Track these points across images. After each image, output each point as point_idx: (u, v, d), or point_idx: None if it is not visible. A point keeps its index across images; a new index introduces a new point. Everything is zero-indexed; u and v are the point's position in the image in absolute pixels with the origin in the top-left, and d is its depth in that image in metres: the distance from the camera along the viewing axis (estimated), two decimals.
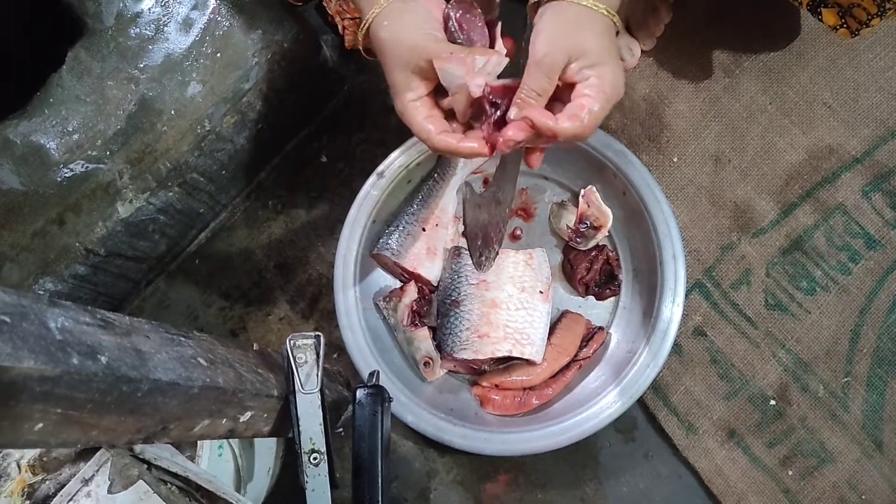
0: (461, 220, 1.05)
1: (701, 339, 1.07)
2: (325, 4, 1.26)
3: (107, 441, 0.55)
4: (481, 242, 0.86)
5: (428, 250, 1.08)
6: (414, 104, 0.77)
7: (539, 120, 0.71)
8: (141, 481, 0.60)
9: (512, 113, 0.73)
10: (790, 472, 1.02)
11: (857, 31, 0.93)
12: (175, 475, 0.65)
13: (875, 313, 1.04)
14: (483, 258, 0.83)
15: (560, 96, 0.75)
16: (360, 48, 0.81)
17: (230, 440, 0.98)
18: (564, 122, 0.72)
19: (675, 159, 1.13)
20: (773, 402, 1.04)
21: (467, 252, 0.98)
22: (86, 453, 0.60)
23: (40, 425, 0.46)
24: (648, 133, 1.14)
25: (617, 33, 0.77)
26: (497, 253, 0.86)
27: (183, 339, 0.65)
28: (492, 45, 0.78)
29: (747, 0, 1.14)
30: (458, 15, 0.76)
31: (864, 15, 0.91)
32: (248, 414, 0.72)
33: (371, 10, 0.76)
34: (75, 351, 0.47)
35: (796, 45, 1.15)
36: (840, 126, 1.11)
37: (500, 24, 0.79)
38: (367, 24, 0.77)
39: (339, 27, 1.25)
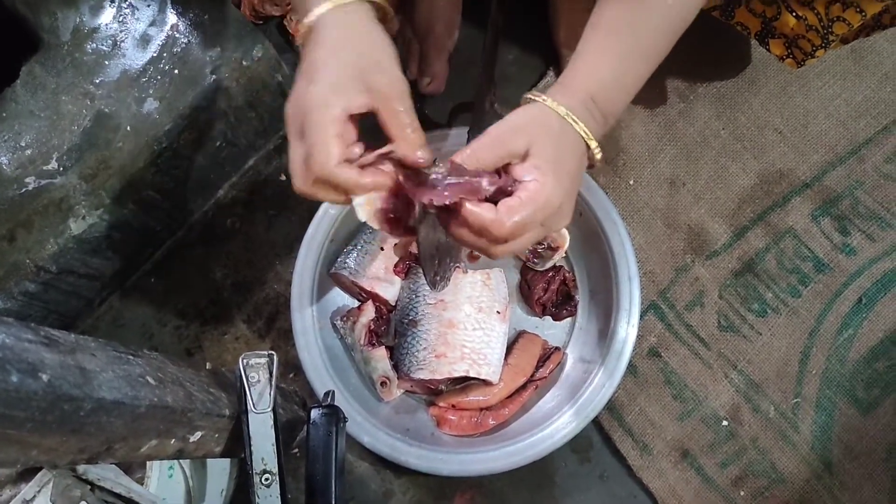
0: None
1: (655, 360, 1.08)
2: (286, 23, 1.27)
3: (48, 461, 0.54)
4: (437, 263, 0.87)
5: (386, 270, 1.08)
6: (339, 113, 0.66)
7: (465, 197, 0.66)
8: (84, 502, 0.59)
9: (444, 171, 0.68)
10: (742, 493, 1.03)
11: (803, 61, 0.96)
12: (119, 496, 0.64)
13: (824, 335, 1.07)
14: (438, 278, 0.83)
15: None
16: (302, 34, 0.71)
17: (181, 461, 0.96)
18: (481, 209, 0.66)
19: (632, 182, 1.15)
20: (725, 423, 1.05)
21: None
22: (27, 473, 0.58)
23: None
24: (605, 156, 1.15)
25: (592, 166, 0.76)
26: (452, 273, 0.87)
27: (131, 357, 0.64)
28: None
29: (701, 28, 1.16)
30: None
31: (808, 46, 0.94)
32: (199, 434, 0.71)
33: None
34: (15, 368, 0.46)
35: (748, 72, 1.18)
36: (790, 151, 1.14)
37: None
38: (333, 5, 0.68)
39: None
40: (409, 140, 0.68)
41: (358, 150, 0.70)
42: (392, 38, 1.14)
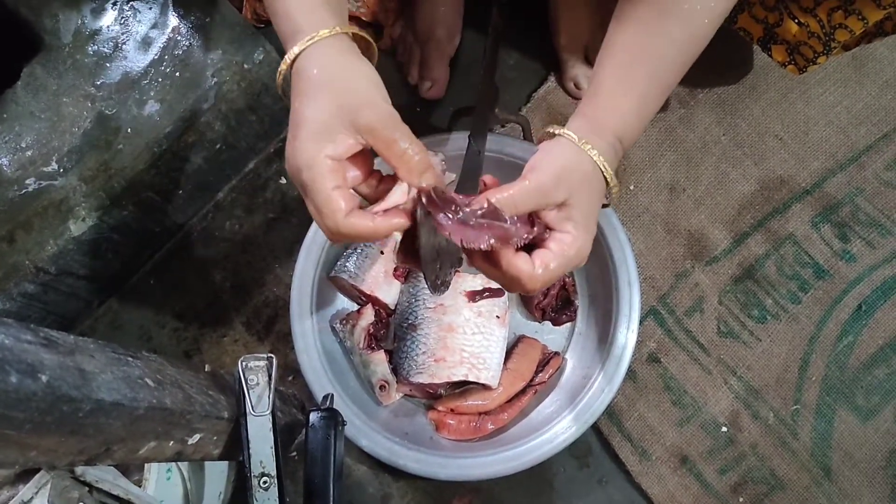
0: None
1: (655, 366, 1.08)
2: None
3: (47, 462, 0.54)
4: (438, 267, 0.86)
5: (386, 273, 1.08)
6: (329, 163, 0.63)
7: (505, 255, 0.66)
8: None
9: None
10: (741, 499, 1.02)
11: (805, 67, 0.96)
12: (117, 498, 0.63)
13: (824, 342, 1.06)
14: (438, 282, 0.83)
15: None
16: (280, 79, 0.68)
17: (179, 463, 0.96)
18: (519, 260, 0.67)
19: (632, 187, 1.15)
20: (724, 429, 1.05)
21: None
22: (25, 475, 0.58)
23: None
24: None
25: (605, 205, 0.75)
26: (452, 277, 0.86)
27: (130, 358, 0.64)
28: None
29: None
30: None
31: (810, 53, 0.94)
32: (197, 436, 0.71)
33: (311, 33, 0.65)
34: (14, 369, 0.46)
35: (749, 78, 1.18)
36: (791, 158, 1.14)
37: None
38: (306, 45, 0.65)
39: None
40: (410, 166, 0.65)
41: (374, 181, 0.69)
42: (390, 45, 1.13)
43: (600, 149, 0.70)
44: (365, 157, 0.68)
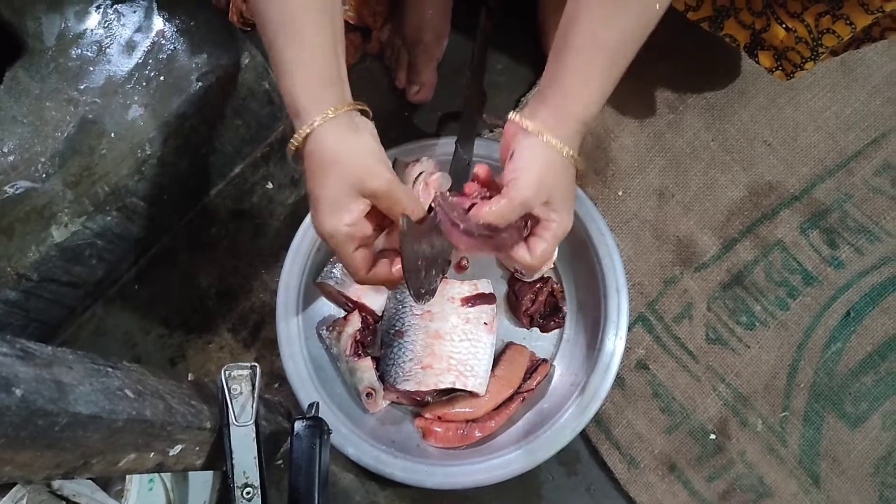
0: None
1: (643, 373, 1.07)
2: None
3: (22, 477, 0.53)
4: (423, 275, 0.86)
5: None
6: (350, 230, 0.75)
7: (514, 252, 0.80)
8: None
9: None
10: None
11: (792, 73, 0.96)
12: None
13: (812, 349, 1.06)
14: (423, 290, 0.82)
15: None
16: (290, 156, 0.77)
17: (162, 473, 0.95)
18: (519, 253, 0.80)
19: (620, 193, 1.15)
20: (712, 437, 1.04)
21: None
22: (1, 489, 0.57)
23: None
24: (594, 166, 1.16)
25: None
26: (437, 285, 0.86)
27: (110, 369, 0.63)
28: None
29: (691, 39, 1.16)
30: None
31: (798, 58, 0.93)
32: (179, 447, 0.70)
33: (314, 117, 0.73)
34: None
35: (738, 83, 1.18)
36: (779, 164, 1.14)
37: None
38: (310, 130, 0.74)
39: None
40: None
41: (382, 239, 0.83)
42: (378, 49, 1.14)
43: (566, 138, 0.77)
44: (377, 211, 0.78)
